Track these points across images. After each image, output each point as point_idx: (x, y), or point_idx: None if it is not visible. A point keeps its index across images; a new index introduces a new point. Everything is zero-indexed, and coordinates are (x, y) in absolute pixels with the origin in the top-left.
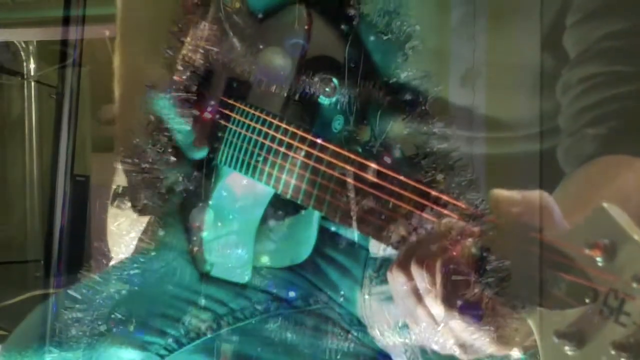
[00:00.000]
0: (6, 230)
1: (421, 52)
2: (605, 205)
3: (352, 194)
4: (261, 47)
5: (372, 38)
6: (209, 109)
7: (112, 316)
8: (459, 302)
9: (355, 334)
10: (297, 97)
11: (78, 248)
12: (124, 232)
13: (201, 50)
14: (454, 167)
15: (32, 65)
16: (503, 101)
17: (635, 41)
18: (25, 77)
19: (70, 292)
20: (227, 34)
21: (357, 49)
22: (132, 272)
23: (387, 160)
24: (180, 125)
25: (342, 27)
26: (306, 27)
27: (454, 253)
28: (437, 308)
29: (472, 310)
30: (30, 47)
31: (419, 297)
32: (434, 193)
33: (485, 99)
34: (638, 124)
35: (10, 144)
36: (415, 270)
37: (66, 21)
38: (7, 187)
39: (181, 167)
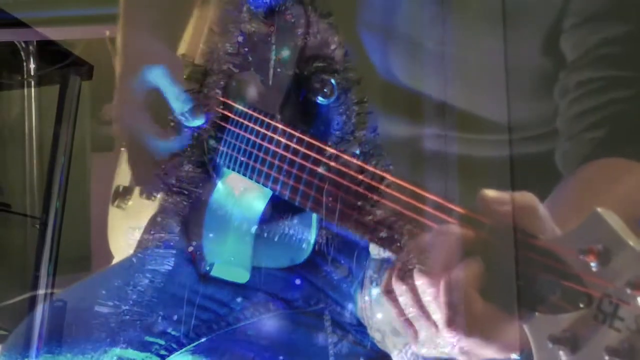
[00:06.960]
0: None
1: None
2: (599, 210)
3: (350, 197)
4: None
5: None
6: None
7: (112, 316)
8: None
9: (356, 334)
10: (295, 97)
11: None
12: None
13: None
14: None
15: (32, 65)
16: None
17: (632, 47)
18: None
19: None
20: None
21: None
22: (131, 271)
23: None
24: (177, 94)
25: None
26: (304, 26)
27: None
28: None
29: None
30: (30, 47)
31: (421, 307)
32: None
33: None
34: (635, 127)
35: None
36: (418, 284)
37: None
38: None
39: None
